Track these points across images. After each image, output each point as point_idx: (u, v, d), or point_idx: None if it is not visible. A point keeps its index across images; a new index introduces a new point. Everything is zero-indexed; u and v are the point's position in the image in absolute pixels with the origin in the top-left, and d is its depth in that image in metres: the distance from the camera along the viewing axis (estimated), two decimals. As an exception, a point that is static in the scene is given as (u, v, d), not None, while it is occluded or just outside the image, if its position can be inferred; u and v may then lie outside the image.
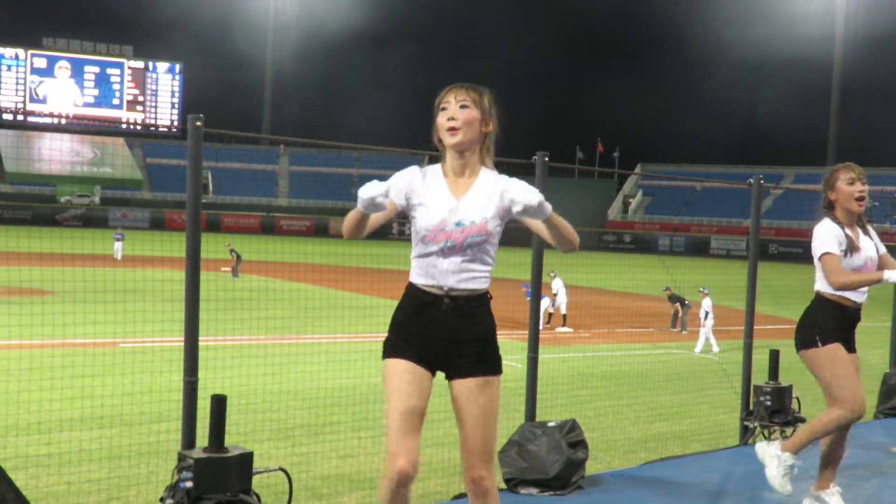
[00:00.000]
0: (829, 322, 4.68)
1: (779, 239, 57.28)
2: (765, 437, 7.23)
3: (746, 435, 7.18)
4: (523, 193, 2.95)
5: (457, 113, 3.16)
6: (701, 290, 18.04)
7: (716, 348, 16.91)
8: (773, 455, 4.86)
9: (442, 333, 3.20)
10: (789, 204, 61.70)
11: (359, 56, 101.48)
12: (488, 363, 3.23)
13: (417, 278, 3.24)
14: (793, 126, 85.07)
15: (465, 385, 3.20)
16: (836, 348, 4.65)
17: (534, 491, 5.28)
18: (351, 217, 3.14)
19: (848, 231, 4.64)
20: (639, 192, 75.37)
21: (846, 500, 4.88)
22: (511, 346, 15.73)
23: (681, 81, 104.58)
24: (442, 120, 3.19)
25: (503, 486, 5.44)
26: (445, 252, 3.16)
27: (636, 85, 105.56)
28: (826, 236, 4.58)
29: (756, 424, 7.12)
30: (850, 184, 4.64)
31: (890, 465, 6.33)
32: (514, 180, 3.13)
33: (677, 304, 19.69)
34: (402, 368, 3.21)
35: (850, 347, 4.74)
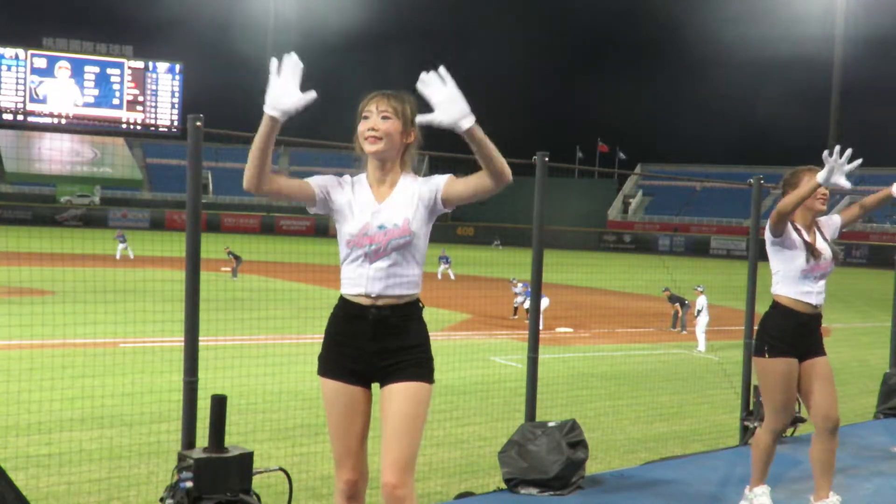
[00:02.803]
0: (782, 332, 4.66)
1: (779, 239, 57.15)
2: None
3: (746, 435, 7.18)
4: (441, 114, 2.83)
5: (378, 123, 3.13)
6: (696, 288, 18.08)
7: (701, 347, 16.90)
8: (750, 500, 4.96)
9: (370, 345, 3.20)
10: (789, 204, 61.65)
11: (359, 56, 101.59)
12: (417, 370, 3.19)
13: (346, 288, 3.24)
14: (793, 126, 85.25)
15: (392, 390, 3.18)
16: (781, 363, 4.64)
17: (534, 491, 5.28)
18: (254, 148, 3.02)
19: (806, 236, 4.63)
20: (639, 192, 75.37)
21: (846, 500, 4.87)
22: (511, 346, 15.79)
23: (681, 81, 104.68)
24: (362, 129, 3.16)
25: (503, 486, 5.45)
26: (370, 256, 3.16)
27: (636, 85, 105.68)
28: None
29: (756, 424, 7.10)
30: None
31: (890, 465, 6.33)
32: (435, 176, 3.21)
33: (677, 304, 19.72)
34: (334, 393, 3.26)
35: (814, 352, 4.70)
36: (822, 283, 4.70)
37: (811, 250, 4.61)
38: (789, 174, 4.81)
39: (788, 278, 4.67)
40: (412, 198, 3.18)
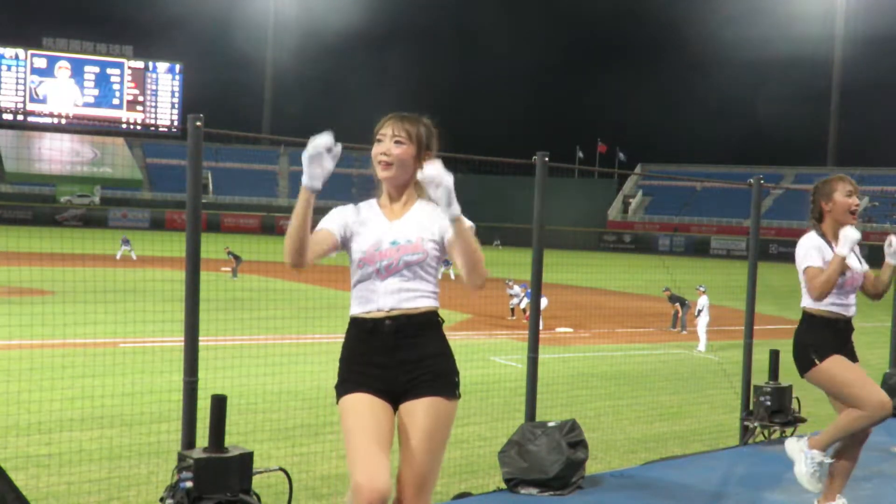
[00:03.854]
0: (821, 337, 4.60)
1: (779, 239, 57.25)
2: (765, 438, 7.24)
3: (746, 435, 7.18)
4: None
5: (391, 149, 3.06)
6: (698, 287, 18.10)
7: (701, 347, 16.93)
8: (800, 451, 4.78)
9: (390, 359, 3.02)
10: (789, 204, 61.69)
11: (359, 56, 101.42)
12: (438, 384, 3.02)
13: (357, 308, 3.10)
14: (793, 126, 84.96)
15: (411, 406, 3.00)
16: (836, 360, 4.56)
17: (534, 491, 5.28)
18: (294, 223, 2.93)
19: (833, 246, 4.54)
20: (639, 192, 75.36)
21: (846, 500, 4.87)
22: (511, 346, 15.79)
23: (681, 81, 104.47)
24: (375, 153, 3.09)
25: (503, 486, 5.45)
26: (382, 273, 3.03)
27: (636, 85, 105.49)
28: (809, 248, 4.51)
29: (756, 424, 7.12)
30: (847, 196, 4.54)
31: (890, 465, 6.33)
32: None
33: (677, 304, 19.74)
34: (359, 402, 3.01)
35: (850, 358, 4.64)
36: (852, 296, 4.63)
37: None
38: (821, 182, 4.68)
39: None
40: (427, 219, 3.08)
